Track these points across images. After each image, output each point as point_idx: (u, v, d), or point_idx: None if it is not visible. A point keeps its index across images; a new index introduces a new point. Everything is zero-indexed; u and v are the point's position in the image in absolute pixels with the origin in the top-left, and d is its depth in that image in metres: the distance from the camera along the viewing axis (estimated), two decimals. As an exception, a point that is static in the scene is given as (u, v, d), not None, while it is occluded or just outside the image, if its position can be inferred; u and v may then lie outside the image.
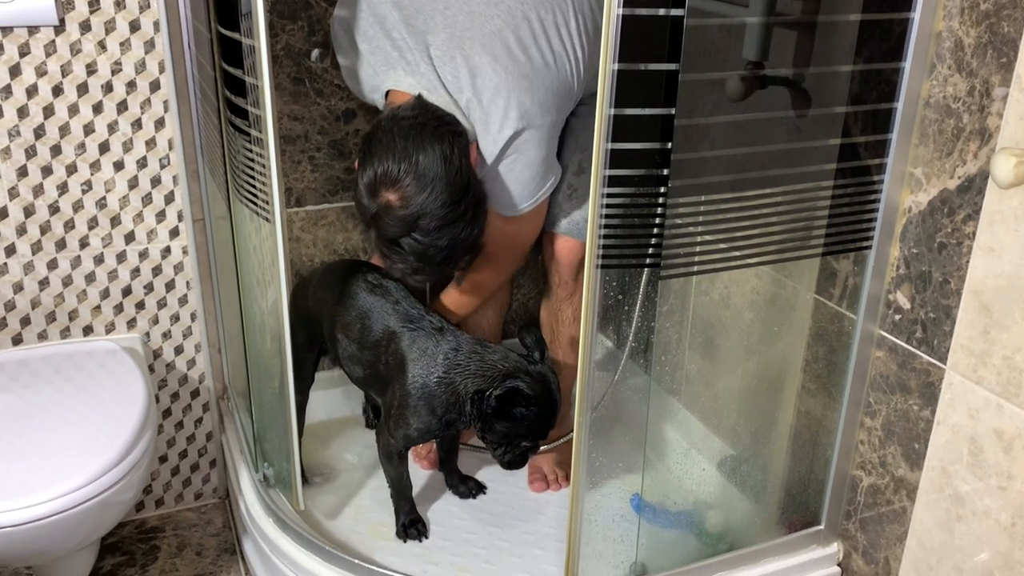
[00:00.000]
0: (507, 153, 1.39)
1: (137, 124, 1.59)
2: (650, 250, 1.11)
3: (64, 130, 1.55)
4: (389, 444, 1.50)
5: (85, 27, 1.50)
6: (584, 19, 1.39)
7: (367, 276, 1.54)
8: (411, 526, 1.56)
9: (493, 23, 1.34)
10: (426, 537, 1.56)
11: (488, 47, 1.34)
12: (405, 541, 1.55)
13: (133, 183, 1.62)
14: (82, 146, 1.57)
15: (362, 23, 1.41)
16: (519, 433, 1.42)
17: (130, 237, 1.66)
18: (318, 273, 1.66)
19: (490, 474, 1.73)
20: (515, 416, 1.39)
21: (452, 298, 1.65)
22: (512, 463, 1.47)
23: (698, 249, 1.15)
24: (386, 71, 1.41)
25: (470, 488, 1.68)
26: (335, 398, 1.92)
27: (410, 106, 1.34)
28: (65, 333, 1.69)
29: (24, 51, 1.48)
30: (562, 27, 1.37)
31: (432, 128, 1.31)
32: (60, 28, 1.48)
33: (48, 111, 1.53)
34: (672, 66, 1.01)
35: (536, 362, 1.43)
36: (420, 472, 1.73)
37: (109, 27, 1.51)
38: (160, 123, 1.60)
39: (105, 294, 1.68)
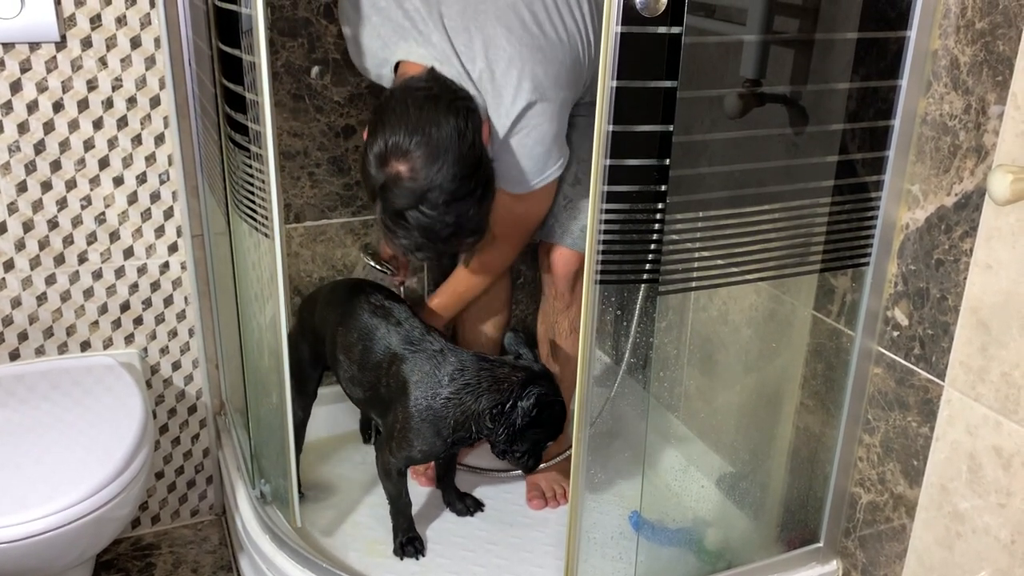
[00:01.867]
0: (519, 127, 1.37)
1: (137, 140, 1.59)
2: (649, 266, 1.11)
3: (64, 145, 1.56)
4: (389, 463, 1.50)
5: (86, 43, 1.50)
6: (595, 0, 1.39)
7: (370, 297, 1.54)
8: (408, 544, 1.55)
9: None
10: (423, 555, 1.55)
11: (502, 19, 1.33)
12: (402, 559, 1.54)
13: (132, 199, 1.63)
14: (82, 161, 1.57)
15: None
16: (547, 436, 1.44)
17: (129, 252, 1.66)
18: (325, 291, 1.66)
19: (488, 491, 1.73)
20: (544, 421, 1.41)
21: (460, 278, 1.63)
22: (535, 464, 1.48)
23: (696, 265, 1.15)
24: (397, 42, 1.39)
25: (468, 506, 1.67)
26: (335, 414, 1.91)
27: (423, 77, 1.32)
28: (63, 348, 1.69)
29: (25, 67, 1.49)
30: (574, 6, 1.37)
31: (447, 101, 1.29)
32: (61, 44, 1.49)
33: (48, 127, 1.53)
34: (670, 83, 1.01)
35: (533, 362, 1.45)
36: (418, 489, 1.72)
37: (110, 43, 1.52)
38: (160, 139, 1.60)
39: (103, 309, 1.68)
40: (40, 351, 1.68)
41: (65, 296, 1.65)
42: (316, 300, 1.65)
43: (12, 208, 1.56)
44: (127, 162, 1.60)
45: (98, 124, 1.56)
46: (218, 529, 1.88)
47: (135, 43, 1.53)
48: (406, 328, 1.48)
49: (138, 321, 1.71)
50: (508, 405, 1.39)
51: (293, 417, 1.61)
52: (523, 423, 1.39)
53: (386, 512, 1.57)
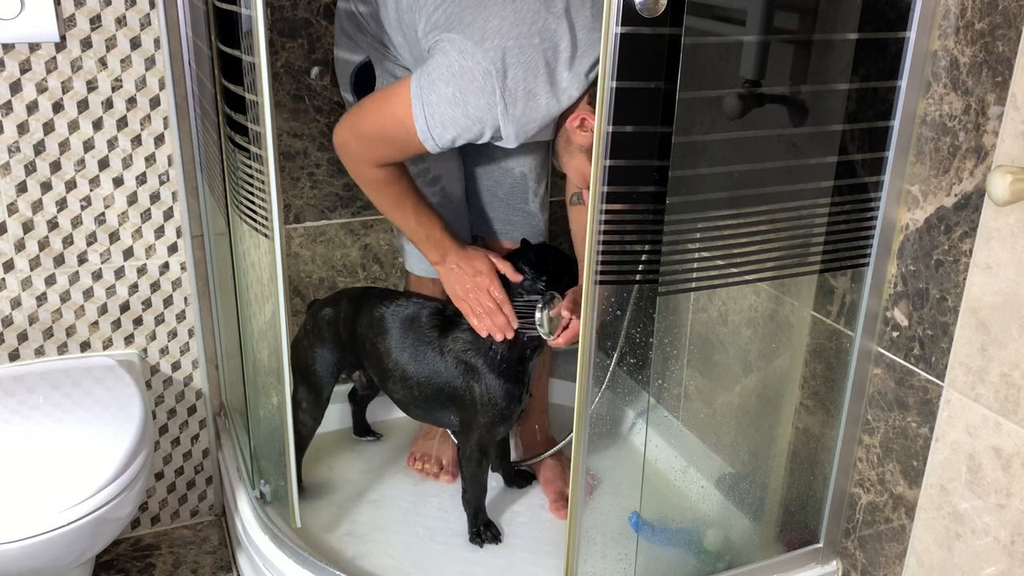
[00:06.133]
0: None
1: (137, 140, 1.59)
2: (648, 266, 1.11)
3: (64, 146, 1.55)
4: (480, 440, 1.53)
5: (86, 44, 1.50)
6: None
7: (395, 301, 1.55)
8: (487, 529, 1.62)
9: None
10: (500, 541, 1.61)
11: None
12: (482, 545, 1.59)
13: (132, 199, 1.63)
14: (81, 162, 1.57)
15: None
16: (571, 274, 1.51)
17: (128, 253, 1.66)
18: (353, 302, 1.61)
19: (489, 494, 1.72)
20: (565, 260, 1.50)
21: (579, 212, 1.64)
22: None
23: (696, 266, 1.16)
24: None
25: (520, 482, 1.76)
26: (333, 413, 1.91)
27: None
28: (62, 349, 1.69)
29: (25, 67, 1.49)
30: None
31: None
32: (61, 45, 1.49)
33: (48, 127, 1.53)
34: (670, 84, 1.01)
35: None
36: (420, 493, 1.72)
37: (110, 44, 1.52)
38: (160, 139, 1.60)
39: (103, 310, 1.68)
40: (40, 352, 1.68)
41: (65, 297, 1.65)
42: (338, 311, 1.60)
43: (12, 209, 1.56)
44: (127, 163, 1.60)
45: (98, 125, 1.56)
46: (218, 530, 1.88)
47: (135, 44, 1.53)
48: (433, 327, 1.53)
49: (138, 322, 1.71)
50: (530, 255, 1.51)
51: (304, 425, 1.62)
52: (552, 267, 1.49)
53: (384, 512, 1.57)
